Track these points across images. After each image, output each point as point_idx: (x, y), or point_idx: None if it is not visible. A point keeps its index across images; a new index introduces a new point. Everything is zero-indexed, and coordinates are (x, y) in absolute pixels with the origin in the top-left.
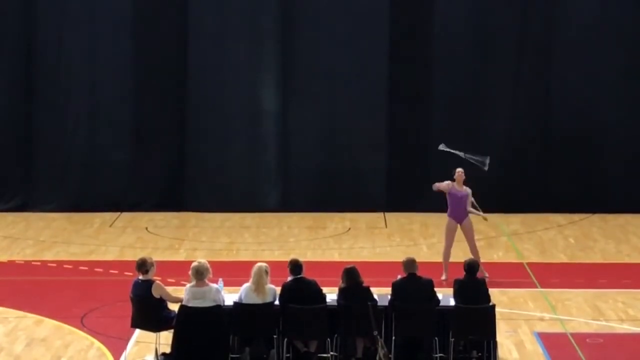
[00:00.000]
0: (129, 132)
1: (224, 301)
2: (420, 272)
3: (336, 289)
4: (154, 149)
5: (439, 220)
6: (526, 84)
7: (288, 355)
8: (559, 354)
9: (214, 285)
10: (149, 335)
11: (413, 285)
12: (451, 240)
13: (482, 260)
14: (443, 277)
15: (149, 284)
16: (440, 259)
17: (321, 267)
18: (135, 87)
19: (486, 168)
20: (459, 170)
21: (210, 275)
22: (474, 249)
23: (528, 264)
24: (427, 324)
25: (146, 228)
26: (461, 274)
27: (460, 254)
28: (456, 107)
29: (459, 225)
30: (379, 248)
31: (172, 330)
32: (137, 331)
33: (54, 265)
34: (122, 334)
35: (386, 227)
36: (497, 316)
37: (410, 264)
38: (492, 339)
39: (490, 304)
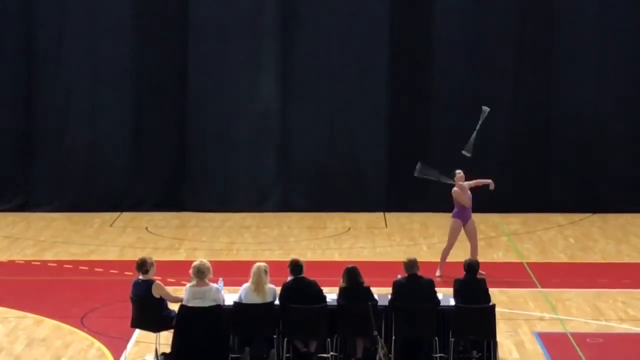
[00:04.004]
0: (129, 132)
1: (224, 301)
2: (420, 272)
3: (336, 289)
4: (154, 149)
5: (439, 220)
6: (526, 84)
7: (288, 355)
8: (559, 353)
9: (214, 285)
10: (149, 335)
11: (413, 285)
12: (454, 240)
13: (481, 260)
14: (438, 274)
15: (149, 283)
16: (440, 259)
17: (321, 267)
18: (135, 87)
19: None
20: (459, 171)
21: (211, 275)
22: (475, 249)
23: (528, 263)
24: (427, 324)
25: (146, 228)
26: (461, 274)
27: (461, 253)
28: (456, 107)
29: (462, 226)
30: (379, 248)
31: (172, 330)
32: (137, 331)
33: (54, 265)
34: (122, 334)
35: (386, 227)
36: (497, 316)
37: (411, 264)
38: (492, 339)
39: (490, 303)
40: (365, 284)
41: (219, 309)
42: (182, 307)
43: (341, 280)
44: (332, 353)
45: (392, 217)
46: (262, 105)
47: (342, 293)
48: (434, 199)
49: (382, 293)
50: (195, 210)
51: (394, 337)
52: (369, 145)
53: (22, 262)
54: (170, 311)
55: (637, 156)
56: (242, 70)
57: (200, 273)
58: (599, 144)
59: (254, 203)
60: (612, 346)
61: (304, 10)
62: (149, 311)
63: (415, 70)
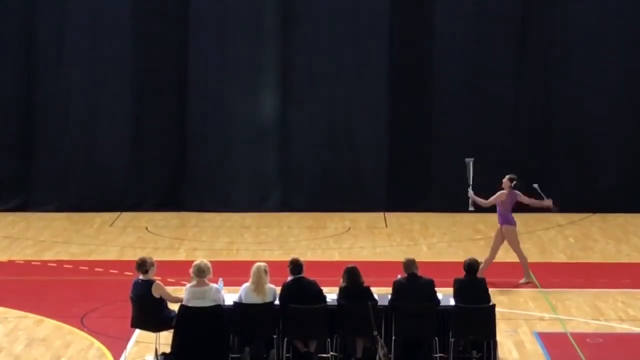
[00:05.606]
0: (129, 132)
1: (224, 301)
2: (420, 272)
3: (336, 289)
4: (154, 149)
5: (439, 220)
6: (526, 84)
7: (288, 355)
8: (559, 353)
9: (214, 285)
10: (149, 335)
11: (413, 285)
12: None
13: (481, 260)
14: (524, 280)
15: (149, 283)
16: (440, 259)
17: (321, 267)
18: (135, 87)
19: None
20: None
21: (211, 275)
22: (519, 252)
23: (528, 263)
24: (427, 324)
25: (146, 228)
26: (461, 274)
27: (461, 252)
28: (456, 107)
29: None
30: (379, 248)
31: (172, 330)
32: (137, 331)
33: (54, 265)
34: (122, 334)
35: (386, 227)
36: (497, 316)
37: (410, 264)
38: (492, 339)
39: (490, 303)
40: (365, 284)
41: (219, 309)
42: (182, 307)
43: (341, 280)
44: (332, 353)
45: (392, 217)
46: (262, 105)
47: (342, 293)
48: (434, 199)
49: (382, 293)
50: (195, 210)
51: (394, 337)
52: (369, 145)
53: (22, 262)
54: (170, 311)
55: (637, 156)
56: (242, 69)
57: (201, 272)
58: (598, 144)
59: (254, 203)
60: (612, 346)
61: (304, 10)
62: (149, 311)
63: (416, 71)
